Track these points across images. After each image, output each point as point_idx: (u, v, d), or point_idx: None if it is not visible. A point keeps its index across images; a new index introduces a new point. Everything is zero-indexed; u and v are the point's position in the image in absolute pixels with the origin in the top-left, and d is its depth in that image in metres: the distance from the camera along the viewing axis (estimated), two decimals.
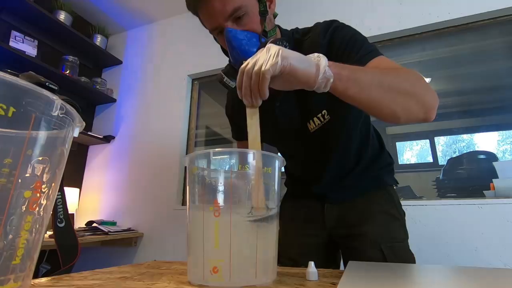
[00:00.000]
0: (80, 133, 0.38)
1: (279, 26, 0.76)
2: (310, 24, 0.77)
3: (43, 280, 0.48)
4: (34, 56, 1.99)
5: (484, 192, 1.49)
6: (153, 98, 2.45)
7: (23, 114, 0.28)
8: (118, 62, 2.67)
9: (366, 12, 1.88)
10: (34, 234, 0.31)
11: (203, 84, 2.47)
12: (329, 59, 0.51)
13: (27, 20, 2.07)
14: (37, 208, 0.30)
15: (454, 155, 2.02)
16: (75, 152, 2.43)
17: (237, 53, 0.63)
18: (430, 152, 2.09)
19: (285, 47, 0.61)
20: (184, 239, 1.89)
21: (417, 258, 0.75)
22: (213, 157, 0.46)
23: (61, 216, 0.69)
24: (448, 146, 2.20)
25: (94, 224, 1.97)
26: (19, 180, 0.28)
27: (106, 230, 1.87)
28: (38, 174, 0.30)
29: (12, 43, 1.89)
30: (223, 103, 0.94)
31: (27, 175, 0.29)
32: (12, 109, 0.27)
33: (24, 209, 0.29)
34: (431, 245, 1.38)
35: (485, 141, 1.97)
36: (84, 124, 0.37)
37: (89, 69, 2.61)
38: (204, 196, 0.47)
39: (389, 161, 0.86)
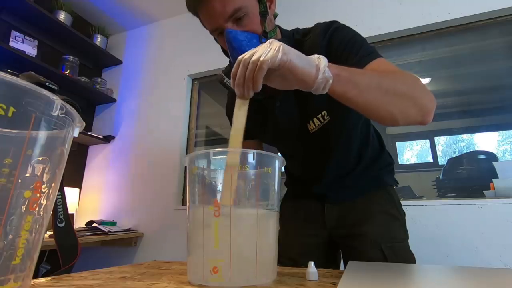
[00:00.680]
0: (80, 133, 0.38)
1: (279, 27, 0.76)
2: (310, 24, 0.76)
3: (43, 280, 0.48)
4: (34, 56, 1.99)
5: (484, 192, 1.50)
6: (153, 98, 2.45)
7: (23, 114, 0.28)
8: (118, 62, 2.67)
9: (366, 12, 1.88)
10: (34, 234, 0.31)
11: (203, 84, 2.47)
12: (329, 60, 0.51)
13: (27, 20, 2.07)
14: (37, 208, 0.30)
15: (454, 155, 2.02)
16: (75, 152, 2.43)
17: (237, 53, 0.63)
18: (430, 152, 2.09)
19: None
20: (184, 239, 1.89)
21: (417, 258, 0.75)
22: (213, 157, 0.46)
23: (61, 216, 0.69)
24: (448, 146, 2.20)
25: (94, 224, 1.97)
26: (19, 180, 0.28)
27: (106, 230, 1.87)
28: (38, 174, 0.30)
29: (12, 43, 1.89)
30: (223, 103, 0.94)
31: (27, 175, 0.29)
32: (12, 109, 0.27)
33: (24, 209, 0.29)
34: (431, 245, 1.38)
35: (485, 141, 1.97)
36: (84, 124, 0.37)
37: (89, 69, 2.61)
38: (204, 196, 0.47)
39: (389, 161, 0.86)
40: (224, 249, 0.41)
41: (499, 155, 1.80)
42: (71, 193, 2.15)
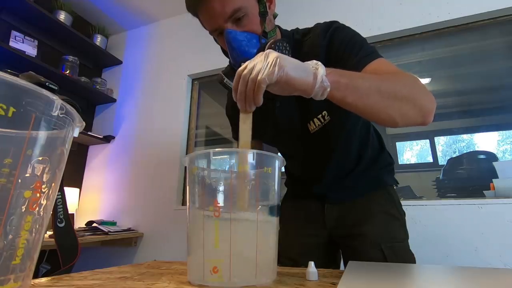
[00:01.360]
0: (80, 133, 0.38)
1: (279, 27, 0.76)
2: (310, 24, 0.76)
3: (43, 280, 0.48)
4: (34, 56, 1.99)
5: (484, 192, 1.50)
6: (153, 98, 2.45)
7: (23, 114, 0.28)
8: (118, 62, 2.67)
9: (366, 12, 1.88)
10: (34, 234, 0.31)
11: (203, 84, 2.47)
12: (329, 60, 0.51)
13: (27, 20, 2.07)
14: (37, 208, 0.30)
15: (454, 155, 2.02)
16: (75, 152, 2.43)
17: (237, 54, 0.63)
18: (430, 152, 2.09)
19: (285, 48, 0.62)
20: (184, 239, 1.89)
21: (417, 258, 0.75)
22: (213, 157, 0.46)
23: (61, 216, 0.69)
24: (448, 146, 2.20)
25: (94, 224, 1.97)
26: (19, 180, 0.28)
27: (106, 230, 1.87)
28: (38, 174, 0.30)
29: (12, 43, 1.89)
30: (223, 103, 0.94)
31: (27, 175, 0.29)
32: (12, 109, 0.27)
33: (24, 209, 0.29)
34: (431, 245, 1.38)
35: (485, 141, 1.97)
36: (84, 124, 0.37)
37: (89, 69, 2.61)
38: (204, 196, 0.47)
39: (389, 161, 0.86)
40: (224, 249, 0.41)
41: (499, 155, 1.80)
42: (71, 193, 2.15)
